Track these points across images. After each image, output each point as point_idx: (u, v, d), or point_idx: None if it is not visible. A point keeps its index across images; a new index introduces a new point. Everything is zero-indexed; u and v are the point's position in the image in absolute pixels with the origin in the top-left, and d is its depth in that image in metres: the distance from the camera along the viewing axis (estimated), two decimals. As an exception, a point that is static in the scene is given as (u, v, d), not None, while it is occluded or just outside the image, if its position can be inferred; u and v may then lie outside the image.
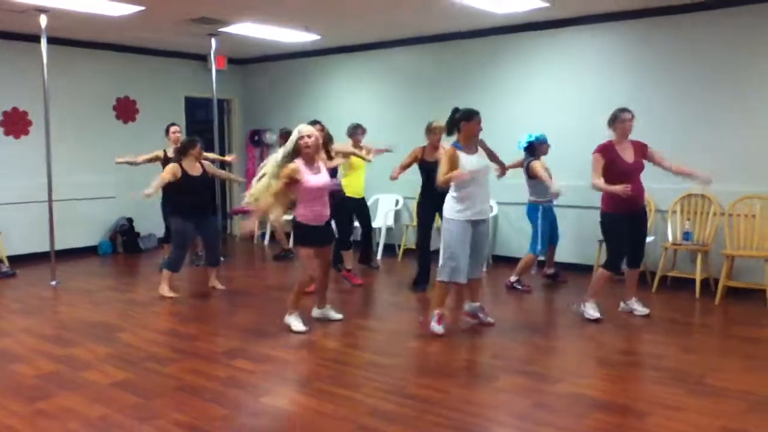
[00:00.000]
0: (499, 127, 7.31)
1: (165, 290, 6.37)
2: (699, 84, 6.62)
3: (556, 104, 7.47)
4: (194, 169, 6.33)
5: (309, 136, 4.95)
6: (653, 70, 6.87)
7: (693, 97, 6.66)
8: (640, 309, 5.60)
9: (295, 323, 5.15)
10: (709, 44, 6.54)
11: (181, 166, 6.26)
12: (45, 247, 7.43)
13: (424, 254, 6.43)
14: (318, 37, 8.40)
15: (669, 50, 6.76)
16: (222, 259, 8.45)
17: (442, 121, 6.06)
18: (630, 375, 4.33)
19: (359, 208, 7.21)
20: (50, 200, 7.15)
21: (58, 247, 7.48)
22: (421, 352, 4.78)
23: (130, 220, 9.16)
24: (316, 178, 5.01)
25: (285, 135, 8.28)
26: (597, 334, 5.13)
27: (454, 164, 4.87)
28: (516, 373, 4.29)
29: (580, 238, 7.24)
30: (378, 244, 8.44)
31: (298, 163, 4.93)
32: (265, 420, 3.62)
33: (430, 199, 6.08)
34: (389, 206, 8.70)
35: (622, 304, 5.69)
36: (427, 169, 6.17)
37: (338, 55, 9.43)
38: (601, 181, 5.18)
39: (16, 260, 7.87)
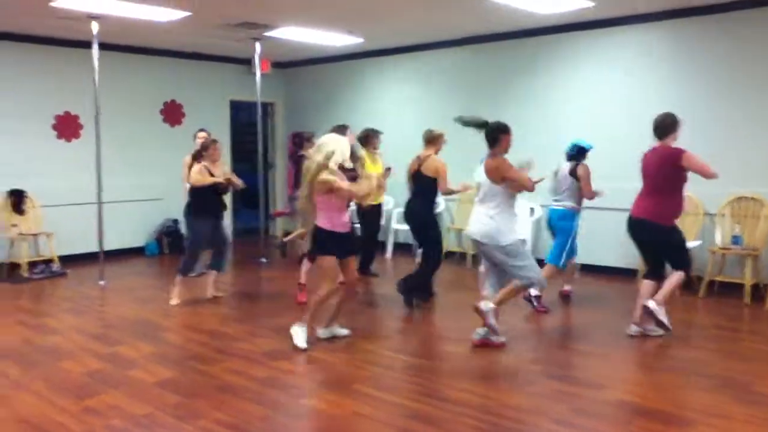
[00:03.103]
0: (539, 130, 7.25)
1: (174, 298, 6.29)
2: (749, 83, 6.44)
3: (599, 106, 7.36)
4: (216, 170, 6.24)
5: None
6: (701, 70, 6.71)
7: (741, 97, 6.48)
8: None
9: (301, 336, 4.87)
10: (759, 41, 6.36)
11: (205, 166, 6.19)
12: (94, 248, 7.64)
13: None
14: (360, 40, 8.45)
15: (716, 48, 6.59)
16: (264, 260, 8.58)
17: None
18: (675, 382, 4.23)
19: (371, 214, 7.00)
20: (100, 202, 7.35)
21: (107, 247, 7.68)
22: (459, 355, 4.76)
23: (176, 222, 9.34)
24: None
25: (311, 139, 8.30)
26: (641, 340, 5.03)
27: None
28: (555, 378, 4.24)
29: (624, 243, 7.10)
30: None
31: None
32: (305, 421, 3.66)
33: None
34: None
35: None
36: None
37: (380, 57, 9.46)
38: None
39: (67, 260, 8.10)
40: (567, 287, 6.39)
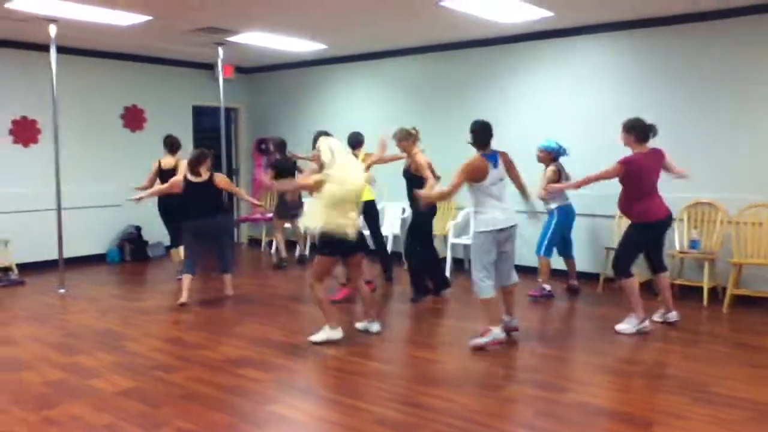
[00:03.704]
0: (501, 136, 7.31)
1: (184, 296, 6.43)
2: (705, 93, 6.61)
3: (561, 113, 7.47)
4: (195, 176, 6.39)
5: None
6: (659, 80, 6.87)
7: (699, 106, 6.65)
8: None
9: (330, 333, 5.11)
10: (716, 54, 6.53)
11: (185, 176, 6.37)
12: (53, 255, 7.47)
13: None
14: (324, 47, 8.45)
15: (676, 59, 6.75)
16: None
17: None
18: (636, 384, 4.31)
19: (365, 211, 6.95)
20: (59, 208, 7.19)
21: (67, 255, 7.51)
22: (427, 361, 4.78)
23: (138, 228, 9.20)
24: None
25: (280, 145, 8.34)
26: (602, 343, 5.12)
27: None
28: (522, 382, 4.28)
29: (589, 246, 7.25)
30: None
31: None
32: (271, 429, 3.63)
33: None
34: (395, 215, 8.71)
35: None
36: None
37: (344, 64, 9.47)
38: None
39: (25, 268, 7.92)
40: (572, 281, 6.86)
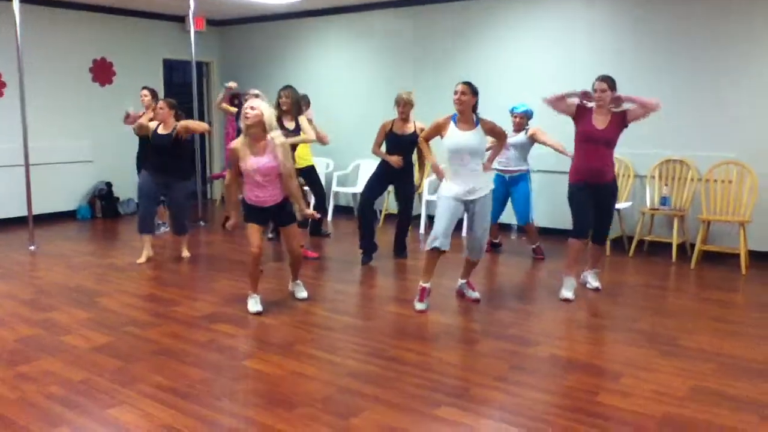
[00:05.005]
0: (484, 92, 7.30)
1: (142, 255, 6.37)
2: (677, 50, 6.64)
3: (535, 72, 7.46)
4: (163, 128, 6.15)
5: (248, 110, 4.61)
6: (634, 39, 6.87)
7: (671, 63, 6.68)
8: (592, 282, 5.47)
9: (249, 304, 4.90)
10: (688, 11, 6.54)
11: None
12: (23, 212, 7.35)
13: (367, 222, 6.42)
14: (298, -1, 8.28)
15: (650, 17, 6.75)
16: (202, 224, 8.45)
17: (410, 93, 6.07)
18: (605, 337, 4.42)
19: (307, 176, 6.79)
20: (27, 164, 7.04)
21: (36, 211, 7.40)
22: (401, 316, 4.83)
23: (109, 185, 9.07)
24: (255, 160, 4.64)
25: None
26: (573, 298, 5.20)
27: (437, 131, 4.90)
28: (494, 336, 4.36)
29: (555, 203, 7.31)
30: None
31: (237, 143, 4.72)
32: (247, 383, 3.65)
33: (386, 171, 6.25)
34: (370, 172, 8.66)
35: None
36: (393, 141, 6.20)
37: (317, 17, 9.31)
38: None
39: (-7, 225, 7.80)
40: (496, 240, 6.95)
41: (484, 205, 4.85)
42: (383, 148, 6.26)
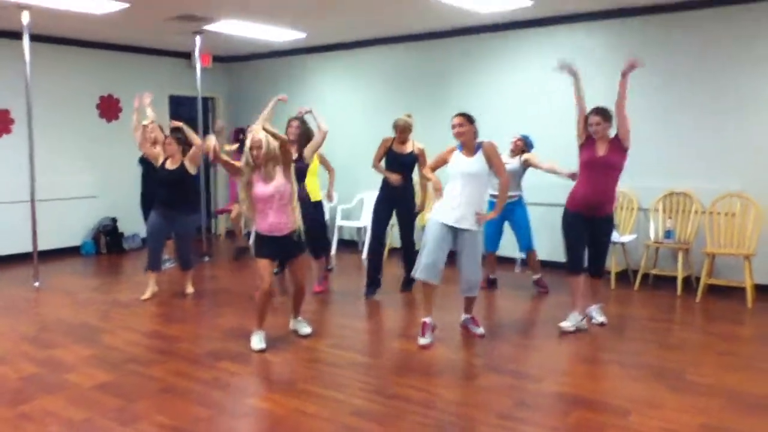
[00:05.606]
0: (478, 126, 7.35)
1: (146, 292, 6.36)
2: (680, 83, 6.68)
3: (539, 102, 7.51)
4: (171, 163, 6.19)
5: (255, 149, 4.59)
6: (636, 71, 6.89)
7: (675, 96, 6.72)
8: (597, 317, 5.36)
9: (253, 341, 4.83)
10: (691, 44, 6.61)
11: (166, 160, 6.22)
12: (28, 248, 7.37)
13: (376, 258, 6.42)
14: (303, 35, 8.39)
15: (650, 48, 6.80)
16: (207, 258, 8.45)
17: (410, 116, 6.22)
18: (610, 372, 4.37)
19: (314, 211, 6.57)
20: (33, 200, 7.09)
21: (41, 247, 7.42)
22: (405, 351, 4.80)
23: (113, 220, 9.11)
24: (264, 186, 4.65)
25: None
26: (578, 332, 5.16)
27: (443, 162, 4.98)
28: (498, 372, 4.32)
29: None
30: (365, 243, 8.45)
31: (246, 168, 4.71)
32: (249, 421, 3.63)
33: (387, 193, 6.26)
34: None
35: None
36: (392, 159, 6.23)
37: (323, 53, 9.43)
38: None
39: (-1, 260, 7.82)
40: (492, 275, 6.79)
41: (474, 245, 4.84)
42: (383, 165, 6.31)
